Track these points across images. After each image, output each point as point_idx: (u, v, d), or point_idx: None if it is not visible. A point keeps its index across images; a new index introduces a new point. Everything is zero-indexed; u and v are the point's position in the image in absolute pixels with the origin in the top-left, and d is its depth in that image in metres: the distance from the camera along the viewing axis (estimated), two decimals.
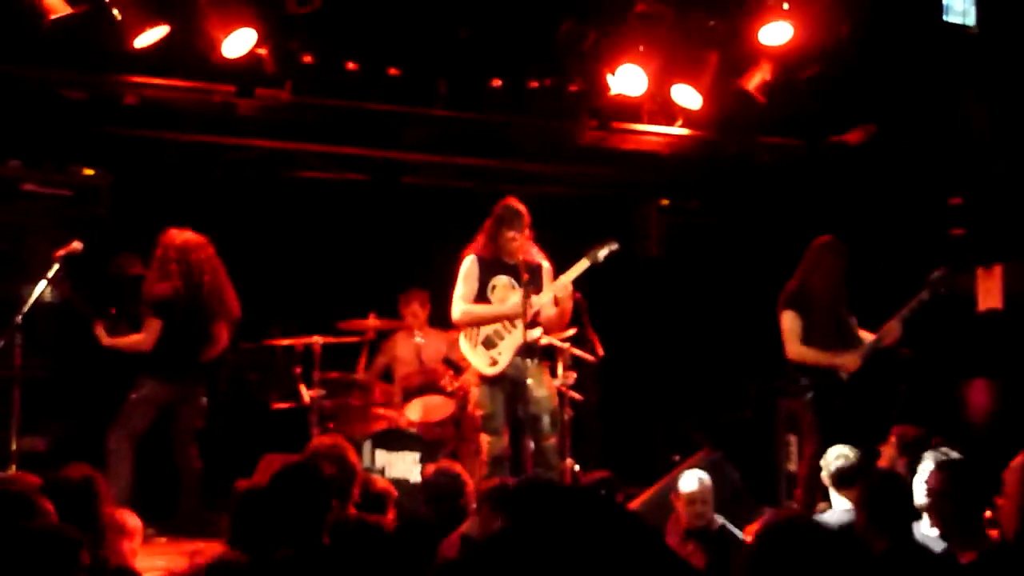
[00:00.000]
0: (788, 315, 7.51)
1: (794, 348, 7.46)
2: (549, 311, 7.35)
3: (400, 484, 7.39)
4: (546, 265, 7.49)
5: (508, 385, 7.30)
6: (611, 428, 9.98)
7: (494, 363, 7.28)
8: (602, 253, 7.38)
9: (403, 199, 9.97)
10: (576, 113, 9.14)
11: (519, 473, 7.11)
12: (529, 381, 7.10)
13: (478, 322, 7.37)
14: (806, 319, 7.48)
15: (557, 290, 7.25)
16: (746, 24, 8.50)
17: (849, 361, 7.36)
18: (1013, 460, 5.88)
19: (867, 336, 7.51)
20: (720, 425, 9.73)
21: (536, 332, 7.20)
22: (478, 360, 7.34)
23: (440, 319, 8.20)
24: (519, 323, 7.18)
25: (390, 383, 8.93)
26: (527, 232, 7.36)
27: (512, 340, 7.25)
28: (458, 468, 5.98)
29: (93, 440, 7.52)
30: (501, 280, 7.40)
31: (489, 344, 7.32)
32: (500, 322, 7.31)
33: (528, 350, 7.10)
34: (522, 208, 7.39)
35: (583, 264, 7.35)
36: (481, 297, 7.39)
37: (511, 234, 7.29)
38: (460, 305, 7.42)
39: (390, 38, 8.36)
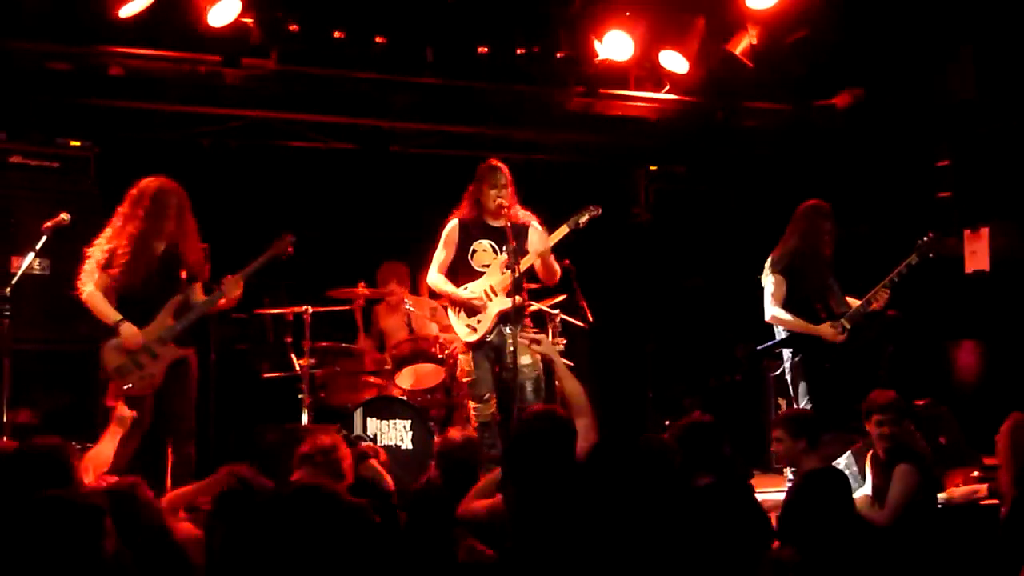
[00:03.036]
0: (772, 279, 7.56)
1: (771, 311, 7.51)
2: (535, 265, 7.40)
3: (392, 451, 7.45)
4: (535, 224, 7.48)
5: (492, 352, 7.33)
6: (602, 393, 10.01)
7: (473, 331, 7.31)
8: (582, 218, 7.40)
9: (391, 167, 9.97)
10: (563, 79, 9.12)
11: (507, 438, 7.14)
12: (513, 348, 7.12)
13: (444, 296, 7.46)
14: (791, 283, 7.51)
15: (534, 257, 7.27)
16: None
17: (827, 332, 7.39)
18: (1003, 424, 5.94)
19: (853, 302, 7.55)
20: (710, 389, 9.78)
21: (519, 299, 7.20)
22: (459, 327, 7.38)
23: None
24: (501, 291, 7.21)
25: (381, 351, 8.97)
26: (511, 191, 7.36)
27: (493, 308, 7.28)
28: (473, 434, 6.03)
29: (83, 413, 7.54)
30: (482, 245, 7.41)
31: (471, 312, 7.35)
32: (484, 288, 7.32)
33: (513, 317, 7.10)
34: (501, 165, 7.40)
35: (563, 230, 7.38)
36: (462, 263, 7.40)
37: (493, 192, 7.30)
38: (433, 274, 7.50)
39: (376, 6, 8.32)
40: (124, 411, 6.15)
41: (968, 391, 8.94)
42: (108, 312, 6.69)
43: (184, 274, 6.88)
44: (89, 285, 6.72)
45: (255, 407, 8.54)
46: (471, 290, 7.37)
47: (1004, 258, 8.91)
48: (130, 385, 6.63)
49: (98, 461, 5.81)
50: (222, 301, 6.87)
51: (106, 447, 5.92)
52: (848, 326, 7.41)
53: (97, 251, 6.76)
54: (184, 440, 6.84)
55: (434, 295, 8.19)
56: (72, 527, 3.42)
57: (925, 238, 7.50)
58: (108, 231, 6.81)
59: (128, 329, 6.64)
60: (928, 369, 8.94)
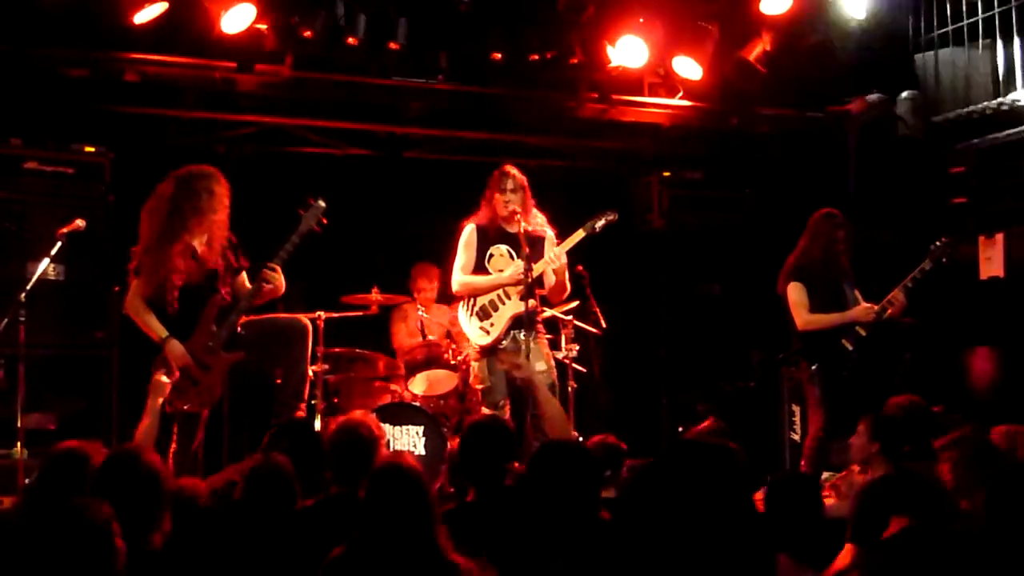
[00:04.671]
0: (794, 287, 7.55)
1: (804, 318, 7.50)
2: (549, 279, 7.37)
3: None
4: (550, 234, 7.48)
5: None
6: (615, 400, 10.00)
7: (486, 333, 7.29)
8: (599, 223, 7.38)
9: (405, 173, 9.98)
10: (577, 86, 9.14)
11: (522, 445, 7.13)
12: (527, 354, 7.10)
13: (477, 292, 7.39)
14: (810, 290, 7.51)
15: (552, 260, 7.26)
16: None
17: (862, 313, 7.40)
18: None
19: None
20: (724, 396, 9.75)
21: (533, 303, 7.19)
22: (472, 331, 7.36)
23: (443, 293, 8.22)
24: (514, 294, 7.20)
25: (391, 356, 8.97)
26: (526, 197, 7.35)
27: (506, 311, 7.26)
28: None
29: (97, 417, 7.55)
30: (499, 249, 7.40)
31: (484, 315, 7.33)
32: (497, 292, 7.32)
33: (526, 322, 7.09)
34: (514, 171, 7.39)
35: (579, 234, 7.36)
36: (479, 267, 7.39)
37: (501, 197, 7.29)
38: (459, 275, 7.45)
39: (391, 12, 8.34)
40: (161, 378, 6.03)
41: (982, 398, 8.90)
42: (154, 327, 6.50)
43: (222, 272, 6.71)
44: (130, 298, 6.57)
45: (268, 412, 8.53)
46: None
47: (1019, 264, 8.87)
48: (188, 405, 6.50)
49: (146, 440, 5.75)
50: (267, 287, 6.69)
51: (150, 424, 5.83)
52: (880, 308, 7.42)
53: (133, 257, 6.60)
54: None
55: (451, 300, 8.20)
56: (79, 542, 3.40)
57: (938, 243, 7.50)
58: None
59: (176, 348, 6.46)
60: (942, 376, 8.90)
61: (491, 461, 4.73)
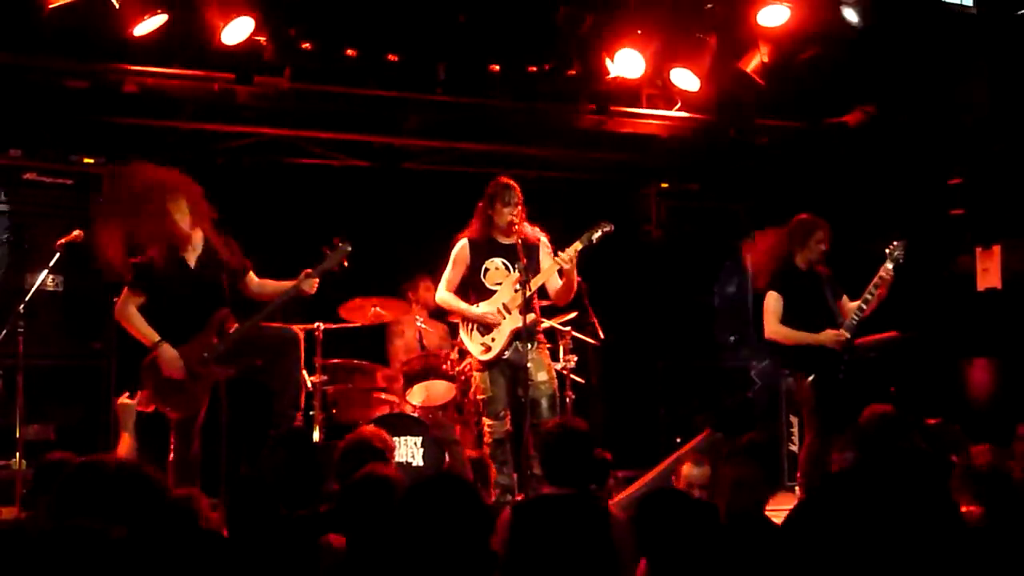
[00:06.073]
0: (770, 296, 7.54)
1: (772, 327, 7.49)
2: (555, 283, 7.38)
3: (403, 468, 7.45)
4: (544, 240, 7.49)
5: (508, 369, 7.30)
6: (613, 411, 10.01)
7: (488, 349, 7.29)
8: (595, 235, 7.37)
9: (403, 184, 9.99)
10: (575, 97, 9.15)
11: (519, 455, 7.14)
12: (529, 365, 7.09)
13: (453, 313, 7.48)
14: (789, 299, 7.48)
15: (548, 275, 7.28)
16: (744, 6, 8.51)
17: (829, 338, 7.36)
18: None
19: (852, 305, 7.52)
20: (722, 407, 9.76)
21: (532, 316, 7.19)
22: (473, 345, 7.37)
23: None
24: (514, 309, 7.20)
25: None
26: (521, 210, 7.36)
27: (507, 325, 7.26)
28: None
29: (96, 427, 7.54)
30: (495, 263, 7.40)
31: (484, 330, 7.33)
32: (496, 306, 7.32)
33: (526, 334, 7.10)
34: (513, 183, 7.40)
35: (576, 246, 7.36)
36: (474, 281, 7.39)
37: (506, 210, 7.29)
38: (443, 291, 7.52)
39: (389, 24, 8.36)
40: (124, 400, 6.00)
41: (981, 409, 8.91)
42: (145, 332, 6.40)
43: (226, 278, 6.68)
44: (120, 305, 6.45)
45: (265, 421, 8.54)
46: (483, 309, 7.37)
47: (1016, 275, 8.89)
48: (168, 409, 6.44)
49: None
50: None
51: (123, 450, 5.82)
52: (848, 335, 7.40)
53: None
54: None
55: (443, 313, 8.21)
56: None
57: (894, 243, 7.47)
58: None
59: (167, 352, 6.38)
60: (940, 387, 8.91)
61: None
